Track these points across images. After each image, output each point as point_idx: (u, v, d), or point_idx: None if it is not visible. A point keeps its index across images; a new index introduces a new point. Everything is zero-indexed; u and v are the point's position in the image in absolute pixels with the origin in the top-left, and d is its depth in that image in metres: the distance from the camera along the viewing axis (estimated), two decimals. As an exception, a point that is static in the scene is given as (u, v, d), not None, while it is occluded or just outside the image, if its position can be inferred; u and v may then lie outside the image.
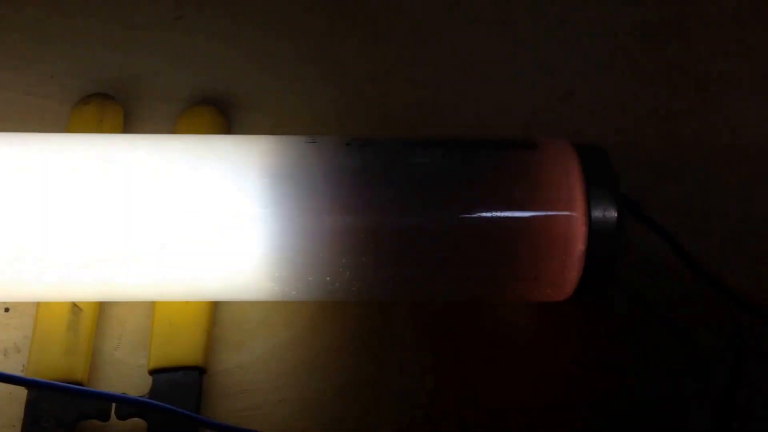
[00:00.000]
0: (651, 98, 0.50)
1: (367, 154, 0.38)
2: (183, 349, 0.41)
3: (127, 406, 0.39)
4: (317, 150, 0.38)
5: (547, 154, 0.38)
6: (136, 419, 0.39)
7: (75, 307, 0.41)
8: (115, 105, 0.46)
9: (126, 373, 0.42)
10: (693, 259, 0.42)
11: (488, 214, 0.37)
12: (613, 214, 0.37)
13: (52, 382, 0.38)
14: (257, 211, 0.36)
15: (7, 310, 0.43)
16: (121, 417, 0.39)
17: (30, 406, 0.39)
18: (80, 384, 0.40)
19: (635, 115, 0.49)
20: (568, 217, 0.37)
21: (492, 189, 0.37)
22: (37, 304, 0.41)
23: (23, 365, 0.41)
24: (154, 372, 0.40)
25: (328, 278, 0.38)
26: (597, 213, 0.37)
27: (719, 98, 0.50)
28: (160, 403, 0.38)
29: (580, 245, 0.37)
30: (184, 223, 0.36)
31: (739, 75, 0.50)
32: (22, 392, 0.39)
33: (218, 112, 0.47)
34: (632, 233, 0.39)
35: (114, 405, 0.39)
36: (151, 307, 0.42)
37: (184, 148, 0.38)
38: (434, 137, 0.39)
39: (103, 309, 0.43)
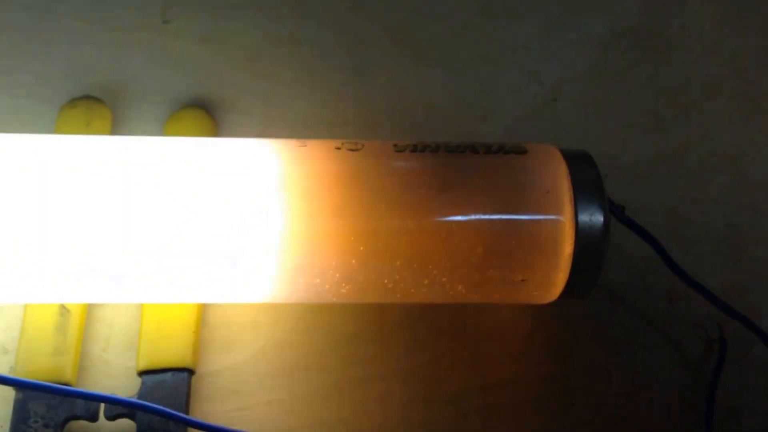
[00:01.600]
0: (634, 106, 0.51)
1: (357, 157, 0.39)
2: (171, 351, 0.41)
3: (116, 406, 0.39)
4: (307, 154, 0.39)
5: (537, 160, 0.39)
6: (124, 420, 0.39)
7: (63, 309, 0.41)
8: (103, 108, 0.46)
9: (114, 375, 0.42)
10: (675, 261, 0.42)
11: (478, 218, 0.37)
12: (599, 218, 0.38)
13: (40, 382, 0.38)
14: (247, 215, 0.37)
15: (-7, 311, 0.43)
16: (110, 417, 0.39)
17: (18, 406, 0.39)
18: (68, 385, 0.39)
19: (619, 123, 0.50)
20: (555, 221, 0.38)
21: (482, 193, 0.38)
22: (25, 306, 0.41)
23: (11, 366, 0.41)
24: (142, 373, 0.40)
25: (318, 280, 0.38)
26: (584, 217, 0.38)
27: (701, 106, 0.51)
28: (149, 404, 0.38)
29: (567, 248, 0.38)
30: (174, 226, 0.36)
31: (720, 83, 0.51)
32: (10, 393, 0.39)
33: (206, 115, 0.47)
34: (617, 237, 0.40)
35: (103, 405, 0.39)
36: (139, 308, 0.42)
37: (172, 151, 0.39)
38: (424, 141, 0.39)
39: (91, 310, 0.43)
